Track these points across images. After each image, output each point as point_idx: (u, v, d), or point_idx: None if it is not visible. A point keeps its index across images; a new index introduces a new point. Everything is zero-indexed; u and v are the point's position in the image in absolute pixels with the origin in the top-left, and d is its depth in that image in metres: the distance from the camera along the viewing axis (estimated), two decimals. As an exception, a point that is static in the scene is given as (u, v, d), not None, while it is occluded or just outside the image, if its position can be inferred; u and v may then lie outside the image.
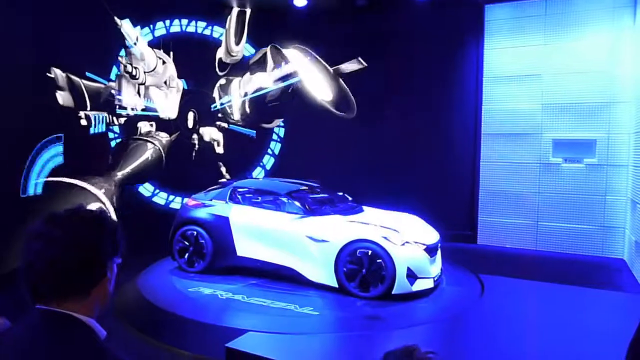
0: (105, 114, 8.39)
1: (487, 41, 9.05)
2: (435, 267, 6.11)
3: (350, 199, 7.62)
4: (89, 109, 7.97)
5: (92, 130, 8.12)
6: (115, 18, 8.21)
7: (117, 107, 8.51)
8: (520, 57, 8.83)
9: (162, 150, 9.42)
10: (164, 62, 9.47)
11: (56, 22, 7.25)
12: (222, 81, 10.47)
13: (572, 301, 5.89)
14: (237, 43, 10.28)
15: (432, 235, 6.36)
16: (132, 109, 8.82)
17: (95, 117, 8.13)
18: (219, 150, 10.50)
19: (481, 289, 6.38)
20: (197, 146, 10.04)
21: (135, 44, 8.70)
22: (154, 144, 9.30)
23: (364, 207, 7.13)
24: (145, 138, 9.23)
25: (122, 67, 8.57)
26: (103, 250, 1.27)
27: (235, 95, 10.53)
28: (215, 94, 10.41)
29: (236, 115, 10.61)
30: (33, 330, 1.20)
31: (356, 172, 9.75)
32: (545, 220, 8.78)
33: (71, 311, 1.20)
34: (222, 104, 10.44)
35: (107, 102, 8.38)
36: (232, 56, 10.27)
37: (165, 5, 9.31)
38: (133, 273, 6.63)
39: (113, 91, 8.48)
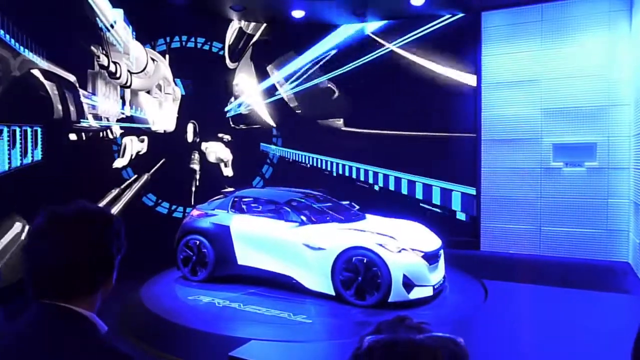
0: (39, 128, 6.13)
1: (484, 47, 9.11)
2: (435, 275, 6.04)
3: (356, 207, 7.66)
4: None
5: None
6: None
7: (91, 115, 6.64)
8: (518, 63, 8.86)
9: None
10: (154, 61, 7.77)
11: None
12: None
13: (577, 305, 5.85)
14: (233, 61, 9.93)
15: (432, 243, 6.31)
16: (106, 119, 6.83)
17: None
18: (228, 172, 9.28)
19: (485, 294, 6.36)
20: (198, 172, 8.55)
21: (112, 26, 6.76)
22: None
23: (367, 215, 7.14)
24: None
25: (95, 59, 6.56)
26: (109, 251, 1.26)
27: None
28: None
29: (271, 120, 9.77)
30: (34, 325, 1.17)
31: (359, 180, 9.84)
32: (548, 225, 8.75)
33: (73, 306, 1.19)
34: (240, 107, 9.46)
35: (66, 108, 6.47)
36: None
37: (166, 22, 8.93)
38: (139, 282, 6.76)
39: (83, 93, 6.59)
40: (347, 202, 7.96)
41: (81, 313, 1.19)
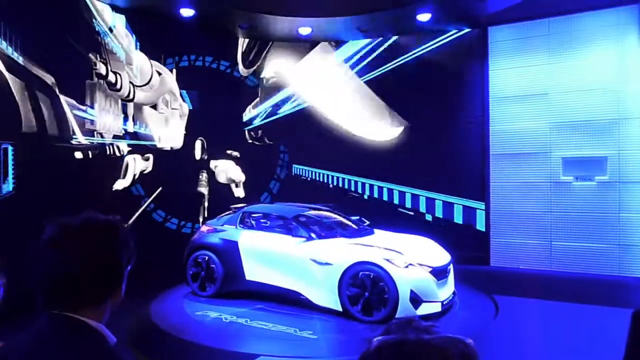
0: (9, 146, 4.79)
1: (491, 62, 9.13)
2: (444, 291, 5.97)
3: (366, 222, 7.65)
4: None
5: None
6: None
7: (92, 131, 5.98)
8: (526, 77, 8.86)
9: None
10: (159, 74, 7.35)
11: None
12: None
13: (590, 321, 5.76)
14: (247, 67, 10.00)
15: (441, 258, 6.25)
16: (101, 134, 6.12)
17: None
18: (239, 192, 8.81)
19: (495, 310, 6.30)
20: (206, 196, 7.98)
21: (111, 30, 6.08)
22: None
23: (375, 230, 7.12)
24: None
25: (93, 67, 5.76)
26: (118, 261, 1.25)
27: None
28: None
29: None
30: (41, 335, 1.17)
31: (367, 194, 9.84)
32: (559, 240, 8.65)
33: (81, 317, 1.18)
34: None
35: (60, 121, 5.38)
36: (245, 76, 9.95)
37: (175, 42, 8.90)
38: (148, 297, 6.80)
39: (76, 104, 5.77)
40: (357, 217, 7.96)
41: (90, 324, 1.18)
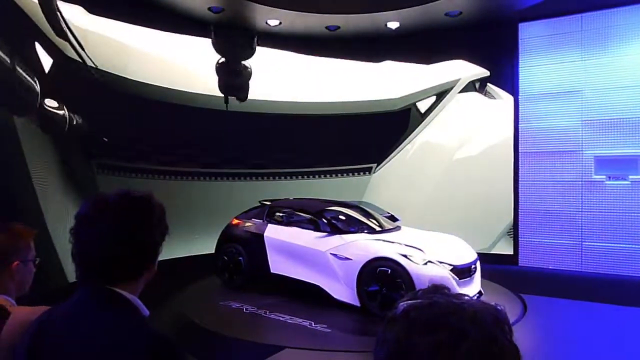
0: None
1: (522, 59, 8.99)
2: (468, 289, 5.89)
3: (398, 219, 7.70)
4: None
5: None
6: None
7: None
8: (558, 74, 8.68)
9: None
10: None
11: None
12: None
13: (621, 321, 5.65)
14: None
15: (465, 256, 6.19)
16: None
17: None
18: None
19: (523, 309, 6.23)
20: None
21: None
22: None
23: (403, 227, 7.14)
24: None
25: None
26: (154, 237, 1.28)
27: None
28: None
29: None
30: (79, 305, 1.22)
31: (394, 192, 9.90)
32: (590, 240, 8.47)
33: (117, 289, 1.22)
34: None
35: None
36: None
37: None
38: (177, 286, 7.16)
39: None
40: (388, 214, 8.00)
41: (124, 296, 1.22)
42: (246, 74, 10.01)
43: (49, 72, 6.72)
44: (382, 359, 0.74)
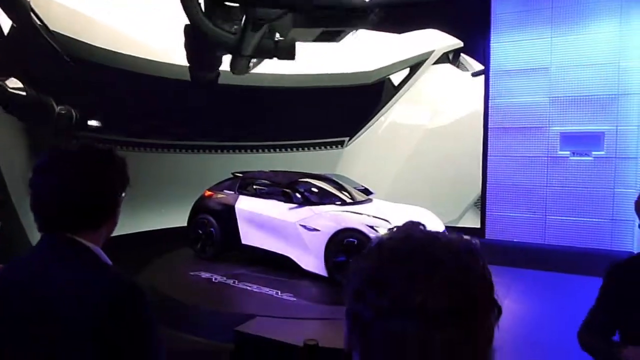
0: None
1: (494, 34, 9.06)
2: None
3: (373, 192, 7.79)
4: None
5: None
6: None
7: None
8: (528, 51, 8.77)
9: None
10: None
11: None
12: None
13: (581, 290, 5.86)
14: None
15: (432, 228, 6.35)
16: None
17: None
18: None
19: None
20: None
21: None
22: None
23: (375, 200, 7.27)
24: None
25: None
26: (113, 186, 1.28)
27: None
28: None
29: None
30: (39, 252, 1.23)
31: (366, 166, 10.00)
32: (553, 214, 8.74)
33: (77, 238, 1.22)
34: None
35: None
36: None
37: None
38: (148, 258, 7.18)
39: None
40: (362, 187, 8.08)
41: (84, 243, 1.22)
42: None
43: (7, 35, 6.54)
44: (355, 288, 0.71)
